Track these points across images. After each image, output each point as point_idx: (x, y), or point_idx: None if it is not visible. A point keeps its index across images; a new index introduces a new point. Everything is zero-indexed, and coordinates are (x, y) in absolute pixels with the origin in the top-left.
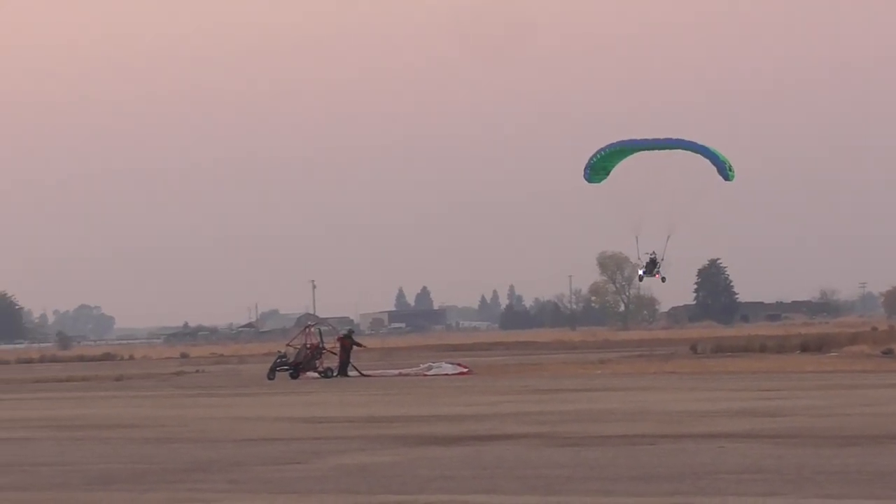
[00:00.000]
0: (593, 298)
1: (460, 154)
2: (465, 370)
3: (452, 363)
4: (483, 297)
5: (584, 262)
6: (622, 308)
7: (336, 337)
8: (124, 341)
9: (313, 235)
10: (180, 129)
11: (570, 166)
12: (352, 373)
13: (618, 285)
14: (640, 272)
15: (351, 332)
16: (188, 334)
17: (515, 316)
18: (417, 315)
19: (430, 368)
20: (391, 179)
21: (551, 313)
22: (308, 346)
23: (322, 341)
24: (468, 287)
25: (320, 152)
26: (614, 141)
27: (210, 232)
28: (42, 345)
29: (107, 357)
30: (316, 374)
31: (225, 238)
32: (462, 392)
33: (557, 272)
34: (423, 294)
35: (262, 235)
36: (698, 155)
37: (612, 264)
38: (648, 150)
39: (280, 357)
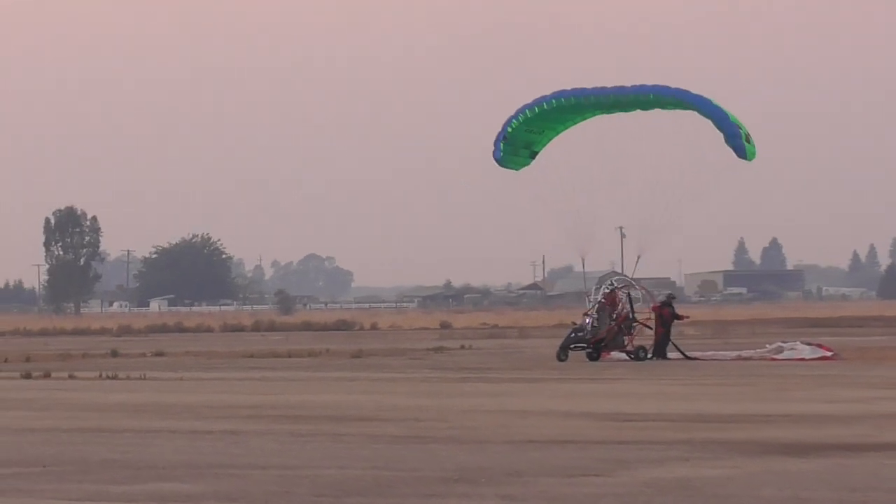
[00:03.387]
0: None
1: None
2: (829, 354)
3: (811, 344)
4: (855, 254)
5: None
6: None
7: (652, 305)
8: (365, 305)
9: None
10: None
11: None
12: (672, 354)
13: None
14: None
15: (672, 298)
16: (451, 297)
17: None
18: (764, 277)
19: (780, 350)
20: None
21: None
22: (614, 316)
23: (633, 311)
24: (834, 240)
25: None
26: (547, 93)
27: (478, 165)
28: (256, 307)
29: (342, 325)
30: (623, 355)
31: (499, 172)
32: (823, 384)
33: None
34: (773, 248)
35: None
36: (694, 114)
37: None
38: (608, 111)
39: (575, 331)
